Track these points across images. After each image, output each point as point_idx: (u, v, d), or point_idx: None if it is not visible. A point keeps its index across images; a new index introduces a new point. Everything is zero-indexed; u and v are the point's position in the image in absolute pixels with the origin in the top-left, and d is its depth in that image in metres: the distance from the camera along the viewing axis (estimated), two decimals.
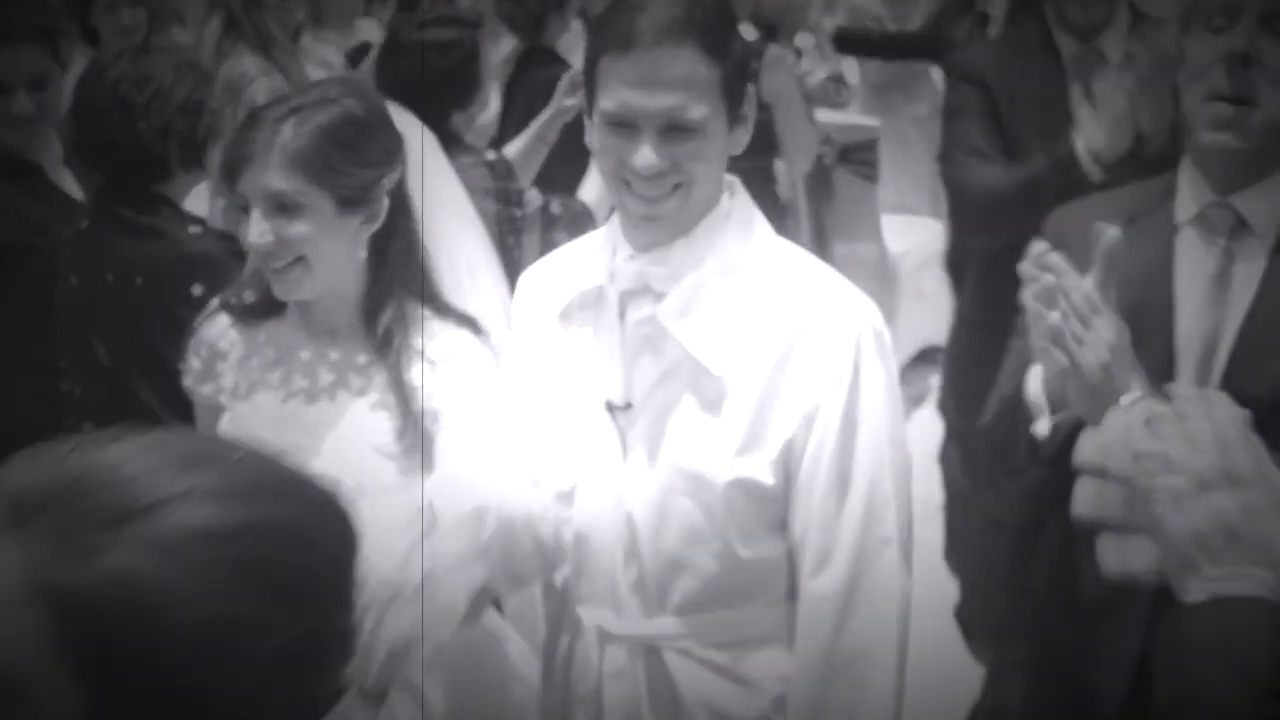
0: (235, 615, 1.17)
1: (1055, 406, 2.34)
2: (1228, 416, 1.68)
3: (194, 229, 3.41)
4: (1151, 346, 2.34)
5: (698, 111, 2.35)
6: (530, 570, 2.71)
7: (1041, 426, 2.38)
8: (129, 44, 3.94)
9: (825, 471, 2.43)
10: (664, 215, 2.43)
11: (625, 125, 2.38)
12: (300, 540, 1.24)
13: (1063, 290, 2.20)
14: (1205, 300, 2.42)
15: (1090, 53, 3.75)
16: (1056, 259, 2.24)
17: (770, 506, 2.46)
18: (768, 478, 2.43)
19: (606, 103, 2.37)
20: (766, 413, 2.43)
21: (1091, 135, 3.51)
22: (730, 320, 2.46)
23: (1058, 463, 2.39)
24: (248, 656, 1.18)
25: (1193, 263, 2.45)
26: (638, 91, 2.36)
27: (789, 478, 2.44)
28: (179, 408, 3.07)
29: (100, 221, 3.46)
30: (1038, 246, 2.32)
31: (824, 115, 4.67)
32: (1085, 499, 1.83)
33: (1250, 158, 2.38)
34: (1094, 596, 2.43)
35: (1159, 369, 2.32)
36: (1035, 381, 2.39)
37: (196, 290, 3.29)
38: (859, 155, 4.92)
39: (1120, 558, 1.75)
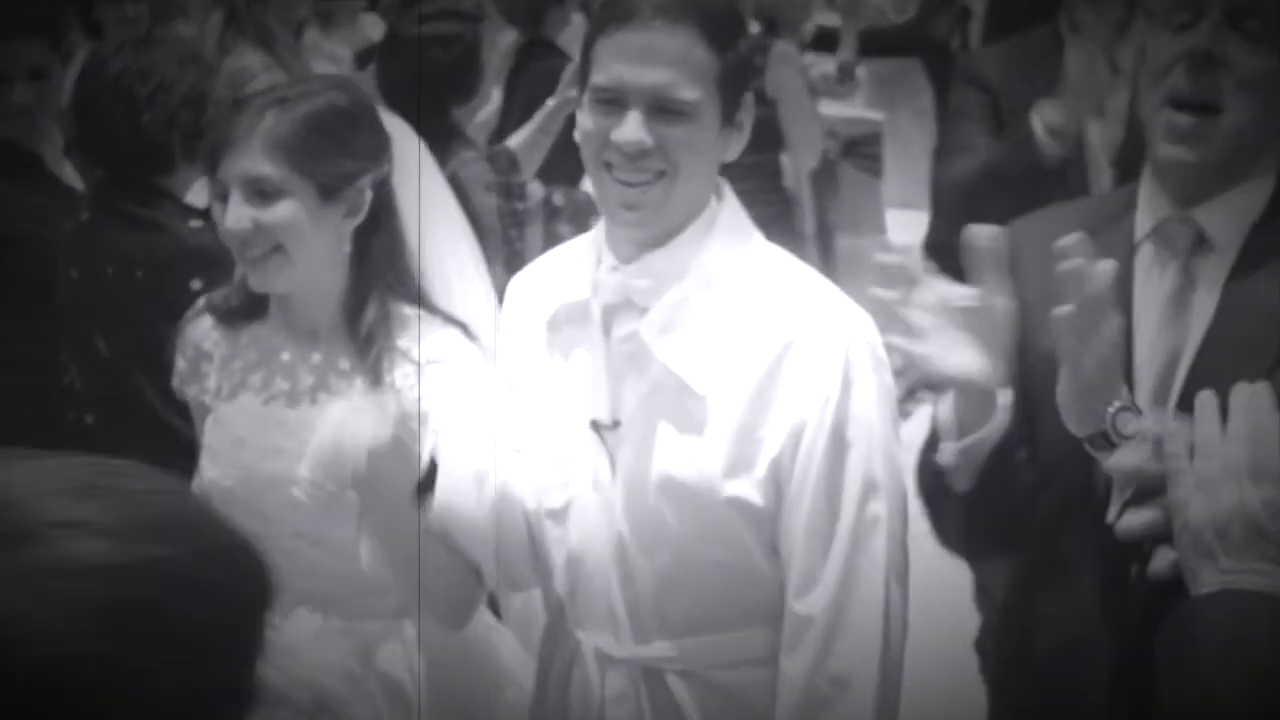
0: (105, 658, 1.10)
1: (965, 430, 2.24)
2: (1268, 409, 1.65)
3: (194, 223, 3.40)
4: (1101, 380, 2.18)
5: (689, 93, 2.32)
6: (524, 569, 2.70)
7: (945, 454, 2.27)
8: (131, 36, 3.96)
9: (813, 491, 2.38)
10: (645, 206, 2.37)
11: (614, 102, 2.34)
12: (195, 586, 1.16)
13: (1088, 275, 2.08)
14: (1163, 320, 2.29)
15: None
16: (1080, 242, 2.11)
17: (763, 527, 2.42)
18: (758, 498, 2.39)
19: (598, 77, 2.35)
20: (754, 431, 2.39)
21: (1050, 111, 3.45)
22: (714, 335, 2.41)
23: (983, 493, 2.30)
24: (118, 705, 1.11)
25: (1151, 280, 2.31)
26: (629, 66, 2.33)
27: (779, 497, 2.40)
28: (178, 403, 3.09)
29: (101, 215, 3.47)
30: (1072, 236, 2.17)
31: (828, 108, 4.68)
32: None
33: (1212, 168, 2.22)
34: (1050, 642, 2.35)
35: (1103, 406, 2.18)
36: (944, 406, 2.28)
37: (196, 285, 3.27)
38: (863, 149, 4.94)
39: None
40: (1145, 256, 2.30)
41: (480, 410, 2.68)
